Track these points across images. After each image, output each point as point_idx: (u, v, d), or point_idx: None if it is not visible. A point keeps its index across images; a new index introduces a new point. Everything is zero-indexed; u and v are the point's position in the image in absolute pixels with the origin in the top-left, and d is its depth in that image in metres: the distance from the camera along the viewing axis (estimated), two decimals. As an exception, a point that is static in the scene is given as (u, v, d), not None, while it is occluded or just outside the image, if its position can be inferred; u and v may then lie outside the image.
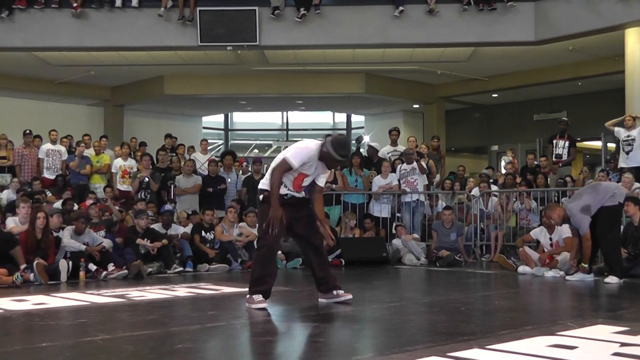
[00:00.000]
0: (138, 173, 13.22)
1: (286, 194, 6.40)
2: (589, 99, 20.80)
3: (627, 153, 12.65)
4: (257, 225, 11.96)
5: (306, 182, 6.44)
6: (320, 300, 6.64)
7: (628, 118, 12.91)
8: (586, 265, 8.90)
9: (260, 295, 6.32)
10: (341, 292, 6.62)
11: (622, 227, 9.83)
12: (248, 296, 6.39)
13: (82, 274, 9.49)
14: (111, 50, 16.07)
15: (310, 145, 6.31)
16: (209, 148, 16.40)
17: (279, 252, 11.43)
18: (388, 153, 14.64)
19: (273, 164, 6.35)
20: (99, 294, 7.72)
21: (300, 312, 6.21)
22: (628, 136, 12.69)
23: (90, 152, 14.58)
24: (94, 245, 10.00)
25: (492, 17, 14.88)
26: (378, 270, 11.05)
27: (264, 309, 6.23)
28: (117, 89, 20.80)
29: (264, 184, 6.42)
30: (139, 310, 6.64)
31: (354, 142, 16.07)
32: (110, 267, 9.79)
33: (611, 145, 18.48)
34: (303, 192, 6.56)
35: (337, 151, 6.20)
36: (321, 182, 6.57)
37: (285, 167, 6.24)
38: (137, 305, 6.90)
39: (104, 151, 14.80)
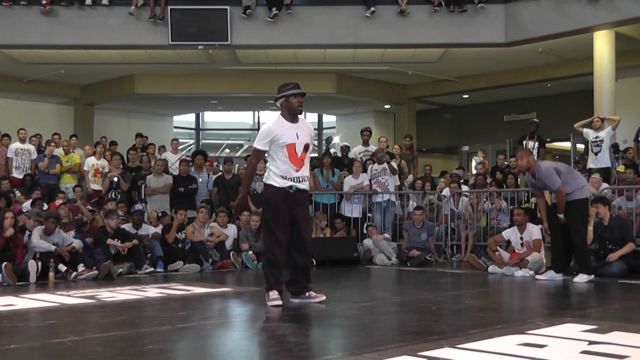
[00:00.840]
0: (108, 173, 13.12)
1: (291, 187, 6.45)
2: (558, 101, 21.01)
3: (596, 154, 12.79)
4: (227, 225, 12.03)
5: (300, 151, 6.48)
6: (292, 300, 6.65)
7: (596, 119, 13.06)
8: (561, 216, 8.81)
9: (276, 292, 6.42)
10: (313, 293, 6.66)
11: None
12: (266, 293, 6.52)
13: (51, 274, 9.41)
14: (81, 49, 15.93)
15: (266, 125, 6.54)
16: (180, 148, 16.31)
17: (250, 252, 11.42)
18: (359, 153, 14.67)
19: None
20: (68, 295, 7.64)
21: (271, 312, 6.19)
22: (596, 137, 12.82)
23: (59, 152, 14.44)
24: (64, 246, 9.90)
25: (463, 19, 14.98)
26: (349, 270, 11.06)
27: (277, 306, 6.31)
28: (87, 88, 20.62)
29: (272, 179, 6.53)
30: (109, 311, 6.59)
31: (323, 142, 16.09)
32: (80, 267, 9.71)
33: (580, 146, 18.65)
34: (306, 173, 6.60)
35: (286, 89, 6.45)
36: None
37: (256, 155, 6.53)
38: (107, 306, 6.84)
39: (73, 150, 14.66)
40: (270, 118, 6.64)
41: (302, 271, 6.65)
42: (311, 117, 25.14)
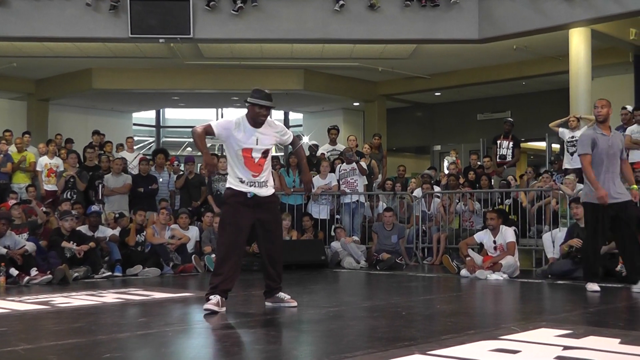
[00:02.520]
0: (64, 172, 12.99)
1: (249, 193, 6.46)
2: (533, 99, 21.21)
3: (572, 154, 12.91)
4: (189, 227, 12.00)
5: (257, 157, 6.49)
6: (266, 303, 6.81)
7: (572, 119, 13.19)
8: (635, 187, 8.23)
9: (217, 296, 6.38)
10: (287, 296, 6.81)
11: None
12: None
13: (2, 279, 9.31)
14: (36, 41, 15.74)
15: (232, 118, 6.54)
16: (139, 146, 16.22)
17: (213, 255, 11.36)
18: (327, 152, 14.67)
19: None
20: (20, 301, 7.56)
21: (236, 318, 6.18)
22: (572, 137, 12.94)
23: (12, 149, 14.26)
24: (16, 249, 9.81)
25: (435, 14, 15.04)
26: (316, 274, 11.07)
27: (213, 312, 6.28)
28: (41, 82, 20.40)
29: (229, 182, 6.58)
30: (64, 317, 6.52)
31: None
32: (34, 271, 9.61)
33: (555, 146, 18.86)
34: (267, 179, 6.61)
35: (257, 96, 6.42)
36: (287, 140, 6.81)
37: (205, 127, 6.48)
38: (62, 313, 6.77)
39: (26, 148, 14.49)
40: (237, 114, 6.63)
41: (273, 276, 6.75)
42: (277, 115, 25.11)
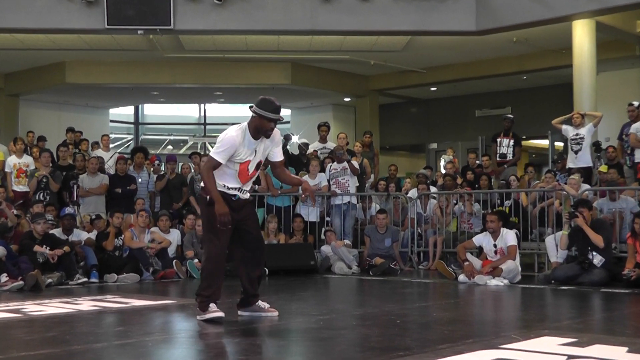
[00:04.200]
0: (36, 171, 12.94)
1: (234, 195, 6.45)
2: (534, 95, 21.28)
3: (576, 152, 12.97)
4: (169, 230, 11.98)
5: (252, 169, 6.46)
6: (240, 313, 6.65)
7: (576, 115, 13.24)
8: None
9: (214, 305, 6.37)
10: (266, 305, 6.66)
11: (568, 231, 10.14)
12: (198, 309, 6.44)
13: (-30, 285, 9.28)
14: (5, 32, 15.67)
15: (230, 133, 6.34)
16: (117, 144, 16.20)
17: (196, 260, 11.36)
18: (317, 150, 14.67)
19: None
20: (-10, 309, 7.54)
21: (219, 327, 6.16)
22: (577, 135, 13.00)
23: (-21, 148, 14.23)
24: (-16, 253, 9.77)
25: (430, 4, 15.03)
26: (305, 280, 11.07)
27: (219, 318, 6.27)
28: (11, 76, 20.33)
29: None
30: (37, 326, 6.51)
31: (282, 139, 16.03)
32: (4, 277, 9.58)
33: (559, 144, 18.93)
34: (251, 186, 6.62)
35: (266, 108, 6.27)
36: (277, 157, 6.69)
37: (211, 164, 6.32)
38: (34, 321, 6.75)
39: (-5, 147, 14.45)
40: (235, 127, 6.44)
41: (252, 280, 6.62)
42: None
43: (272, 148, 6.59)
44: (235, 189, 6.46)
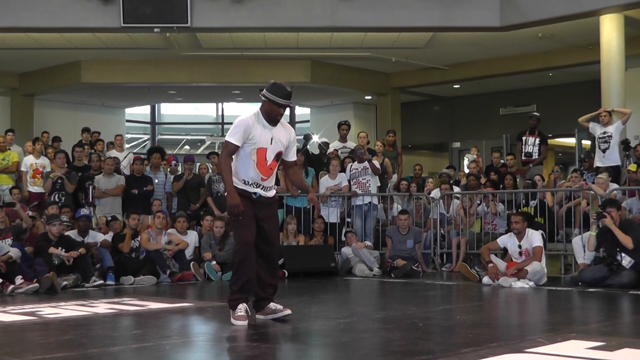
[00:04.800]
0: (51, 172, 13.02)
1: (255, 193, 6.42)
2: (560, 92, 21.17)
3: (604, 151, 12.91)
4: (187, 232, 12.02)
5: (270, 158, 6.45)
6: (257, 317, 6.61)
7: (604, 113, 13.17)
8: None
9: (243, 307, 6.37)
10: (279, 306, 6.61)
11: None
12: (228, 305, 6.45)
13: (-16, 288, 9.34)
14: (20, 32, 15.77)
15: (242, 116, 6.43)
16: (133, 144, 16.26)
17: (214, 262, 11.39)
18: (337, 150, 14.65)
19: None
20: (5, 311, 7.57)
21: (237, 330, 6.18)
22: (604, 133, 12.93)
23: (-6, 149, 14.32)
24: (0, 255, 9.83)
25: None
26: (325, 282, 11.07)
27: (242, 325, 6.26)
28: (26, 76, 20.44)
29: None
30: (52, 329, 6.54)
31: (300, 137, 16.03)
32: (19, 280, 9.62)
33: (586, 143, 18.83)
34: (273, 183, 6.59)
35: (277, 93, 6.32)
36: (291, 156, 6.69)
37: (228, 149, 6.37)
38: (49, 324, 6.79)
39: (10, 147, 14.54)
40: (247, 110, 6.56)
41: (268, 284, 6.59)
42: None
43: (289, 147, 6.61)
44: (257, 184, 6.44)
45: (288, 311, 6.58)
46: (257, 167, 6.42)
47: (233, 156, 6.48)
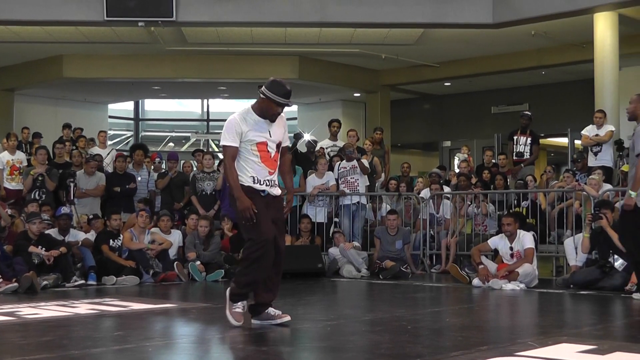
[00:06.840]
0: (31, 169, 12.96)
1: (263, 191, 6.37)
2: (553, 91, 21.25)
3: (595, 154, 12.98)
4: (171, 231, 12.00)
5: (273, 150, 6.39)
6: (252, 321, 6.46)
7: (598, 115, 13.21)
8: None
9: (243, 304, 6.32)
10: (278, 312, 6.46)
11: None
12: (228, 295, 6.36)
13: (-38, 288, 9.30)
14: None
15: (231, 117, 6.35)
16: (116, 140, 16.23)
17: (198, 262, 11.38)
18: (327, 148, 14.64)
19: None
20: (-17, 312, 7.56)
21: (222, 332, 6.18)
22: (596, 135, 12.99)
23: (-29, 145, 14.26)
24: (-23, 254, 9.80)
25: (445, -5, 15.05)
26: (312, 283, 11.08)
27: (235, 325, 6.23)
28: (6, 70, 20.37)
29: (241, 180, 6.37)
30: (32, 330, 6.53)
31: (290, 135, 16.01)
32: (-3, 279, 9.61)
33: (578, 143, 18.88)
34: (276, 176, 6.51)
35: (276, 92, 6.20)
36: (285, 140, 6.60)
37: (228, 153, 6.31)
38: (29, 325, 6.78)
39: (-13, 144, 14.47)
40: (233, 108, 6.52)
41: (271, 287, 6.45)
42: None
43: (285, 132, 6.56)
44: (265, 181, 6.38)
45: (287, 317, 6.45)
46: (263, 162, 6.35)
47: (240, 157, 6.36)
